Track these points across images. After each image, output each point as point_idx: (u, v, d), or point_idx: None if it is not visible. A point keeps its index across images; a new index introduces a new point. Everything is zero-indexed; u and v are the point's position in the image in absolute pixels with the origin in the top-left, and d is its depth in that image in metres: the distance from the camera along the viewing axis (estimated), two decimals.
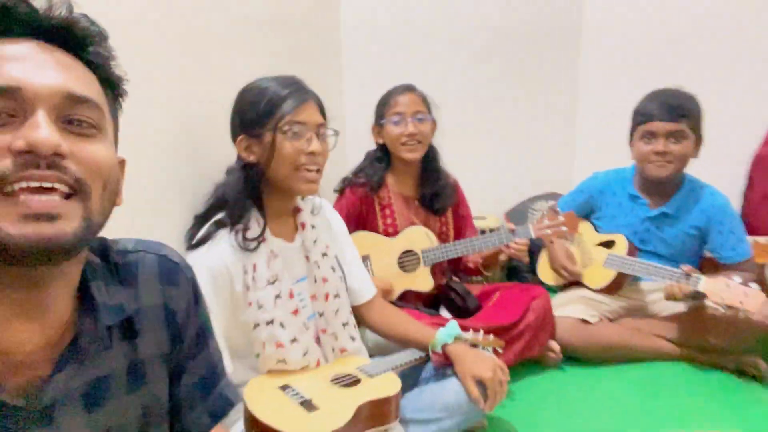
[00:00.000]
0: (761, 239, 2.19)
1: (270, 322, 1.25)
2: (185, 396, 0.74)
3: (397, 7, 2.62)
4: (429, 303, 1.95)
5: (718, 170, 2.10)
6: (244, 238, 1.23)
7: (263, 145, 1.22)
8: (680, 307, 1.92)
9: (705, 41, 2.52)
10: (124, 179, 0.66)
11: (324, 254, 1.38)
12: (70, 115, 0.55)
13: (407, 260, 1.90)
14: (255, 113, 1.22)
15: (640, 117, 1.90)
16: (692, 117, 1.84)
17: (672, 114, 1.83)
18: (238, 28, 1.69)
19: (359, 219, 1.93)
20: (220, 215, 1.27)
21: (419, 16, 2.63)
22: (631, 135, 1.96)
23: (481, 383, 1.35)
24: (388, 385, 1.31)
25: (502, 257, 1.89)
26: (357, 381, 1.32)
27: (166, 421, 0.72)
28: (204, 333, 0.76)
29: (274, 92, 1.23)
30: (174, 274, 0.71)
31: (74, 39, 0.58)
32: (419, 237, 1.90)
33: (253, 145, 1.24)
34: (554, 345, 1.86)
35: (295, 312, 1.29)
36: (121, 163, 0.65)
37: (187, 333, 0.73)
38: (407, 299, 1.91)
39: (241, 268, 1.23)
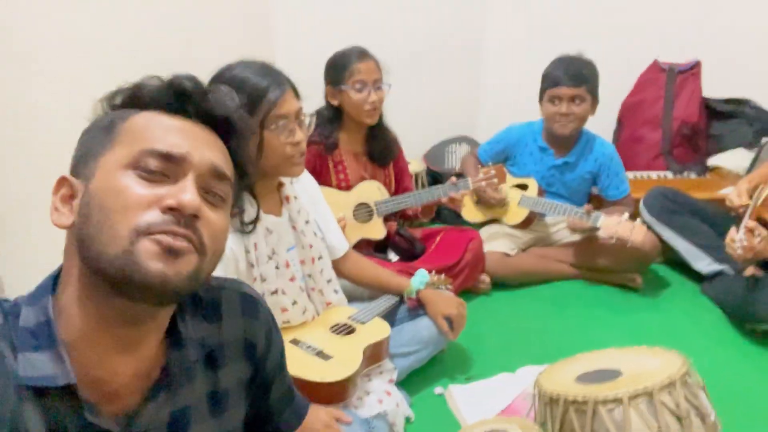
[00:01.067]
0: (630, 174, 2.71)
1: (274, 292, 1.42)
2: (275, 405, 0.86)
3: None
4: (378, 248, 2.21)
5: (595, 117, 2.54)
6: (242, 222, 1.32)
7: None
8: (575, 237, 2.38)
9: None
10: None
11: (307, 221, 1.54)
12: (211, 187, 0.66)
13: (361, 212, 2.12)
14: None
15: (548, 82, 2.23)
16: (591, 82, 2.21)
17: (574, 80, 2.18)
18: None
19: (314, 175, 2.07)
20: None
21: None
22: (541, 96, 2.29)
23: (448, 318, 1.68)
24: (380, 328, 1.57)
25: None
26: (353, 329, 1.56)
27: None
28: (282, 356, 0.86)
29: (254, 85, 1.26)
30: (254, 308, 0.80)
31: (229, 130, 0.70)
32: (371, 190, 2.11)
33: None
34: (484, 277, 2.23)
35: (292, 279, 1.47)
36: None
37: (269, 360, 0.81)
38: (360, 247, 2.15)
39: (243, 248, 1.35)
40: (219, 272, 1.23)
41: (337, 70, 1.98)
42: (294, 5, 2.65)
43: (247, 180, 0.75)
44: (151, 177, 0.62)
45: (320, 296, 1.59)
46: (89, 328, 0.62)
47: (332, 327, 1.55)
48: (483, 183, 2.13)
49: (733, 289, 2.07)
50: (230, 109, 0.69)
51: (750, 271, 2.10)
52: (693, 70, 2.87)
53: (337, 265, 1.70)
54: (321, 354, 1.43)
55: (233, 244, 1.32)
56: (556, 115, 2.23)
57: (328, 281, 1.62)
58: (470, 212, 2.47)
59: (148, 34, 1.94)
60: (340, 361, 1.42)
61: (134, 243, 0.58)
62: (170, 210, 0.60)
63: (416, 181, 2.78)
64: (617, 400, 1.10)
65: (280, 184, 1.49)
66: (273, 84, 1.29)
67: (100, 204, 0.60)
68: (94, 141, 0.64)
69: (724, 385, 1.55)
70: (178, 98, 0.66)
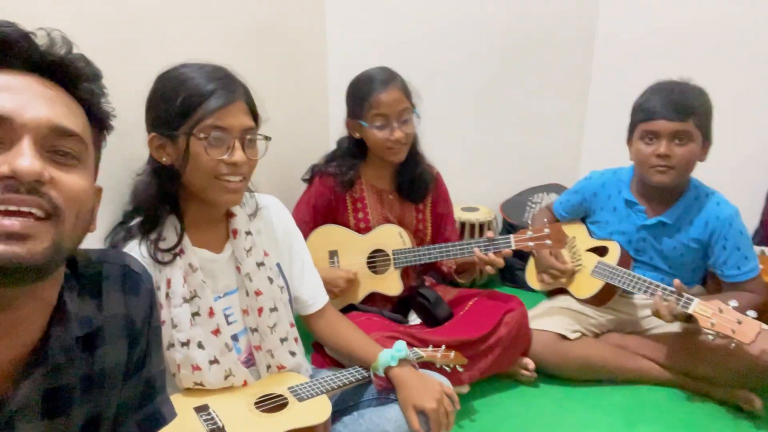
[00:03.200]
0: None
1: (185, 344, 1.13)
2: (122, 405, 0.75)
3: None
4: (398, 307, 1.82)
5: (738, 174, 1.89)
6: (157, 249, 1.10)
7: (177, 148, 1.08)
8: (674, 327, 1.74)
9: (724, 30, 2.24)
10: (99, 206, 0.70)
11: (260, 264, 1.24)
12: (56, 146, 0.60)
13: (377, 260, 1.77)
14: (169, 110, 1.06)
15: (641, 114, 1.69)
16: (700, 115, 1.62)
17: (678, 112, 1.61)
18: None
19: (328, 211, 1.80)
20: (137, 220, 1.15)
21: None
22: (630, 133, 1.75)
23: (422, 413, 1.23)
24: (315, 411, 1.20)
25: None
26: (284, 404, 1.21)
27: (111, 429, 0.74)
28: (150, 343, 0.78)
29: (196, 87, 1.06)
30: (136, 283, 0.74)
31: (69, 76, 0.63)
32: (392, 236, 1.76)
33: (166, 146, 1.09)
34: (528, 362, 1.71)
35: (216, 332, 1.17)
36: (98, 191, 0.70)
37: (137, 345, 0.75)
38: (374, 302, 1.79)
39: (154, 283, 1.12)
40: None
41: (356, 101, 1.68)
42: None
43: (106, 128, 0.69)
44: None
45: (269, 357, 1.27)
46: None
47: (260, 398, 1.21)
48: (531, 243, 1.65)
49: None
50: (64, 53, 0.62)
51: None
52: None
53: (309, 322, 1.40)
54: (217, 431, 1.11)
55: None
56: (652, 157, 1.66)
57: (282, 340, 1.29)
58: (532, 276, 1.97)
59: None
60: None
61: None
62: (6, 179, 0.55)
63: (479, 234, 2.34)
64: None
65: (230, 215, 1.23)
66: (220, 90, 1.07)
67: None
68: None
69: None
70: (3, 51, 0.59)
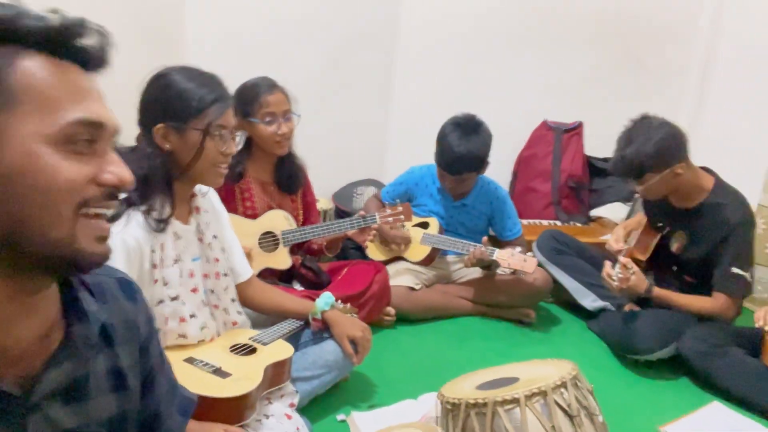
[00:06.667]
0: (524, 221, 2.90)
1: (175, 298, 1.37)
2: (163, 402, 0.82)
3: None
4: (283, 278, 2.17)
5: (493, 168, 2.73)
6: (156, 220, 1.31)
7: (185, 139, 1.32)
8: (475, 274, 2.49)
9: (496, 63, 3.14)
10: None
11: (215, 236, 1.52)
12: None
13: (267, 241, 2.08)
14: (182, 108, 1.30)
15: (438, 162, 2.36)
16: (475, 165, 2.31)
17: (458, 173, 2.31)
18: None
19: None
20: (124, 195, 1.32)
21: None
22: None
23: (352, 341, 1.66)
24: (282, 350, 1.53)
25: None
26: (254, 349, 1.50)
27: (137, 426, 0.77)
28: (160, 346, 0.84)
29: (203, 93, 1.32)
30: (133, 292, 0.78)
31: (99, 69, 0.62)
32: (279, 220, 2.10)
33: (171, 135, 1.32)
34: (390, 309, 2.25)
35: (194, 290, 1.43)
36: None
37: (151, 346, 0.79)
38: (264, 276, 2.10)
39: (150, 247, 1.32)
40: (122, 265, 1.22)
41: (246, 102, 1.98)
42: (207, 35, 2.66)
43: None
44: (81, 149, 0.58)
45: (225, 315, 1.54)
46: None
47: (232, 347, 1.49)
48: (391, 219, 2.19)
49: (615, 324, 2.24)
50: (102, 44, 0.61)
51: (628, 307, 2.29)
52: (576, 129, 3.19)
53: (240, 291, 1.66)
54: (218, 371, 1.37)
55: (141, 239, 1.29)
56: (447, 185, 2.41)
57: (233, 300, 1.58)
58: (374, 250, 2.51)
59: None
60: (239, 378, 1.36)
61: (76, 224, 0.58)
62: (111, 187, 0.60)
63: (324, 219, 2.80)
64: (515, 401, 1.14)
65: (192, 195, 1.47)
66: (221, 97, 1.35)
67: (34, 183, 0.55)
68: None
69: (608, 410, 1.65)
70: (67, 41, 0.57)
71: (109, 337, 0.72)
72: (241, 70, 2.01)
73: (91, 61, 0.60)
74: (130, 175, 0.61)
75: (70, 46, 0.58)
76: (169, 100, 1.32)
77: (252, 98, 1.97)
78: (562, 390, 1.17)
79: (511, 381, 1.26)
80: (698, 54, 3.20)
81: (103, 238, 0.61)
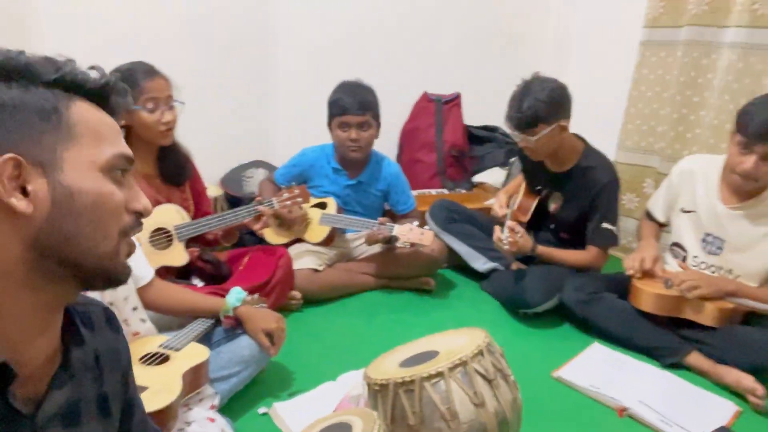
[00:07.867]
0: (414, 192, 3.00)
1: None
2: (137, 430, 0.85)
3: None
4: (181, 275, 2.07)
5: (379, 142, 2.77)
6: None
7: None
8: (375, 249, 2.55)
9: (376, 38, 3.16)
10: None
11: None
12: None
13: (159, 238, 1.97)
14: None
15: (336, 109, 2.38)
16: (375, 109, 2.41)
17: (361, 108, 2.36)
18: None
19: None
20: None
21: None
22: (329, 122, 2.43)
23: (268, 334, 1.65)
24: (197, 353, 1.48)
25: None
26: (167, 357, 1.44)
27: None
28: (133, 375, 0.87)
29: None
30: (116, 322, 0.83)
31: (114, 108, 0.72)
32: (170, 214, 1.98)
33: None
34: (295, 293, 2.24)
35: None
36: None
37: (129, 375, 0.84)
38: (160, 275, 1.98)
39: None
40: None
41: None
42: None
43: None
44: (119, 179, 0.68)
45: (125, 327, 1.45)
46: (20, 312, 0.63)
47: (142, 358, 1.41)
48: (288, 202, 2.16)
49: (505, 283, 2.43)
50: (116, 85, 0.72)
51: (515, 266, 2.49)
52: (455, 100, 3.34)
53: (142, 295, 1.58)
54: None
55: None
56: (347, 140, 2.39)
57: (134, 309, 1.49)
58: (272, 235, 2.47)
59: None
60: (157, 390, 1.30)
61: (119, 243, 0.67)
62: (138, 214, 0.69)
63: (215, 207, 2.69)
64: (439, 374, 1.21)
65: None
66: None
67: (91, 204, 0.63)
68: (35, 124, 0.62)
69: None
70: (106, 93, 0.69)
71: (98, 362, 0.75)
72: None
73: (117, 110, 0.72)
74: (151, 206, 0.71)
75: (109, 97, 0.70)
76: None
77: (131, 84, 1.81)
78: (480, 357, 1.26)
79: (431, 355, 1.33)
80: (553, 25, 3.47)
81: (130, 254, 0.70)
